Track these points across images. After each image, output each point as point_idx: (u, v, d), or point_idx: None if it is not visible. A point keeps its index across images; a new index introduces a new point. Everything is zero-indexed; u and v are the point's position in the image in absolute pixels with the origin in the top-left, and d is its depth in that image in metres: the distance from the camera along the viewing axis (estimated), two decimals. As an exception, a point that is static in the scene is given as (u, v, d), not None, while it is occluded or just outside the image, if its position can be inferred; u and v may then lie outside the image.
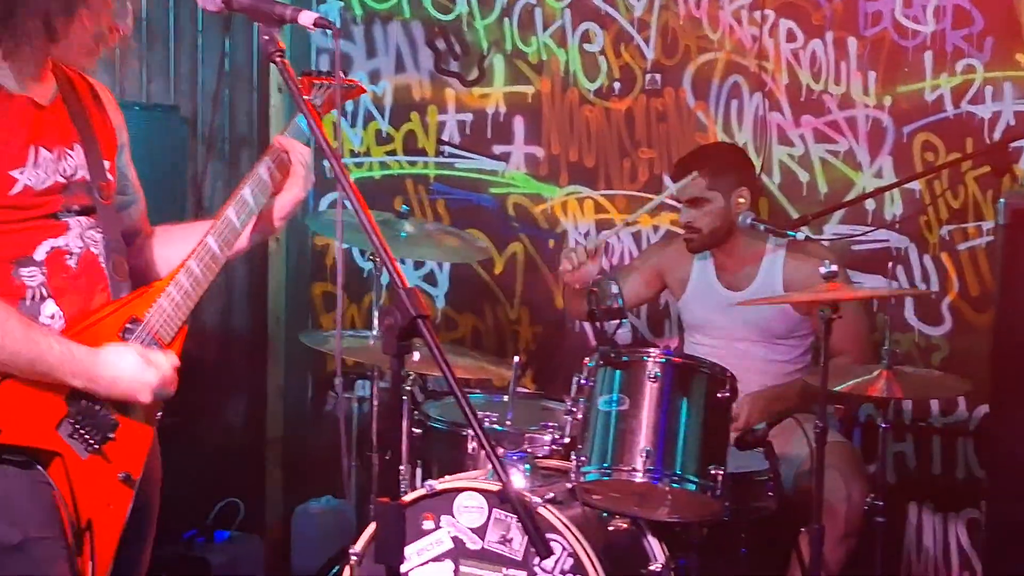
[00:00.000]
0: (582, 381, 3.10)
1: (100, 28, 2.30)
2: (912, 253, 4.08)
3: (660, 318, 4.45)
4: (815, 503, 3.12)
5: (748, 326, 3.83)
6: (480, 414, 2.66)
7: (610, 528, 3.10)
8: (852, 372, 3.36)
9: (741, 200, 3.82)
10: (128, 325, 2.30)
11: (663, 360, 3.02)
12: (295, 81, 2.12)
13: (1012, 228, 3.24)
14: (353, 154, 4.77)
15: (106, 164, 2.38)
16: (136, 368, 2.24)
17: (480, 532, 2.94)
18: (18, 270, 2.23)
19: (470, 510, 2.95)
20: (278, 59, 2.12)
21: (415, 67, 4.70)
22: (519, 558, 2.91)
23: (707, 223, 3.85)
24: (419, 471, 3.47)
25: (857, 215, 4.12)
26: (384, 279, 3.95)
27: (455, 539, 2.96)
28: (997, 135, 3.93)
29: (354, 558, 2.94)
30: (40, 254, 2.26)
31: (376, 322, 3.70)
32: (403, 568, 2.14)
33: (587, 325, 4.30)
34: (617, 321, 3.29)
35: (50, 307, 2.26)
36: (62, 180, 2.29)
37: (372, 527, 2.93)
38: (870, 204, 4.11)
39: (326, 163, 3.49)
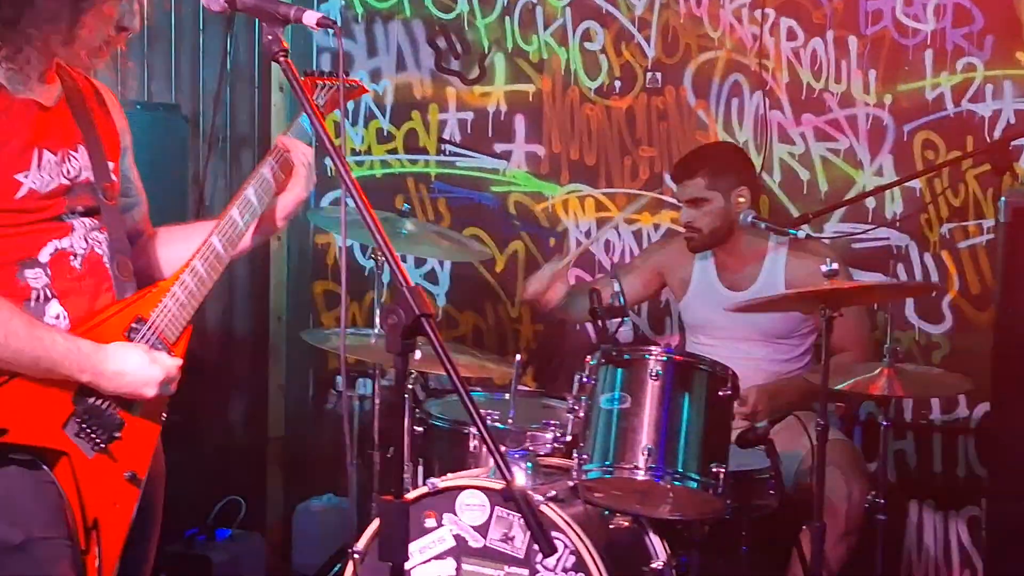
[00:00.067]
0: (584, 379, 3.10)
1: (107, 30, 2.29)
2: (913, 251, 4.09)
3: (661, 316, 4.45)
4: (816, 501, 3.12)
5: (750, 326, 3.82)
6: (482, 412, 2.66)
7: (612, 526, 3.10)
8: (853, 370, 3.38)
9: (741, 200, 3.82)
10: (133, 325, 2.31)
11: (665, 358, 3.02)
12: (299, 81, 2.11)
13: (1013, 226, 3.24)
14: (354, 153, 4.77)
15: (110, 165, 2.39)
16: (141, 364, 2.25)
17: (482, 530, 2.95)
18: (23, 272, 2.23)
19: (472, 508, 2.95)
20: (282, 59, 2.12)
21: (416, 66, 4.70)
22: (521, 556, 2.91)
23: (707, 223, 3.85)
24: (421, 469, 3.47)
25: (858, 213, 4.12)
26: (385, 277, 3.95)
27: (457, 537, 2.96)
28: (997, 133, 3.94)
29: (356, 556, 2.94)
30: (44, 256, 2.26)
31: (378, 320, 3.70)
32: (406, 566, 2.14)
33: (588, 323, 4.30)
34: (618, 319, 3.29)
35: (55, 308, 2.26)
36: (66, 182, 2.29)
37: (374, 525, 2.93)
38: (871, 202, 4.11)
39: (327, 161, 3.49)
